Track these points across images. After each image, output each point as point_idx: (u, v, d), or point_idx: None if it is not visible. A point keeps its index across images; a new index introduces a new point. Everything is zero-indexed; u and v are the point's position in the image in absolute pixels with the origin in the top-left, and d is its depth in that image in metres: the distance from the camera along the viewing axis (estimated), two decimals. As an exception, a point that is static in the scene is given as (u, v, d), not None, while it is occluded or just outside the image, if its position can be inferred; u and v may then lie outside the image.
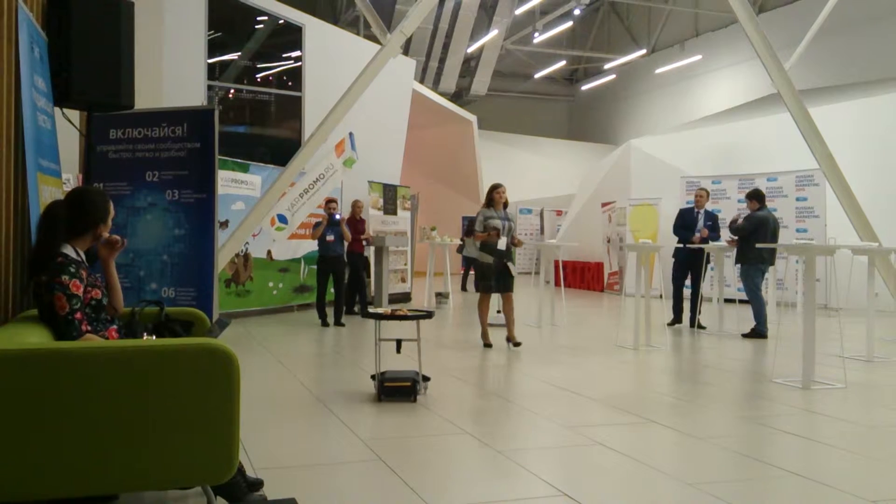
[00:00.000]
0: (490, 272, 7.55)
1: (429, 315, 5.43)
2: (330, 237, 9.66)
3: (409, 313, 5.36)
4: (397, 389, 5.12)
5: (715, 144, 14.69)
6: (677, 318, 9.78)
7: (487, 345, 7.74)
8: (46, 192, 3.62)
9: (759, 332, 8.59)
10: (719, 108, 20.62)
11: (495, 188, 7.76)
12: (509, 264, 7.60)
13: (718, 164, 14.03)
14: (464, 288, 16.63)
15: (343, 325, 9.60)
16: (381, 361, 5.32)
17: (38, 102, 3.47)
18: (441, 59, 25.25)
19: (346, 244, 10.08)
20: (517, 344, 7.63)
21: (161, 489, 2.98)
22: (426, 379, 5.34)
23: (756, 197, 8.84)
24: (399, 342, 5.52)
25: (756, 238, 8.39)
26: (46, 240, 2.84)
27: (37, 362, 2.28)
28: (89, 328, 2.79)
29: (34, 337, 2.56)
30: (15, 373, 2.26)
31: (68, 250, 2.83)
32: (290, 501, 3.02)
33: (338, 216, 9.86)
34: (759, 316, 8.63)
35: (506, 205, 7.81)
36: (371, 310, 5.49)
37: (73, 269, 2.75)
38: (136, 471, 2.35)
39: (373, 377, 5.38)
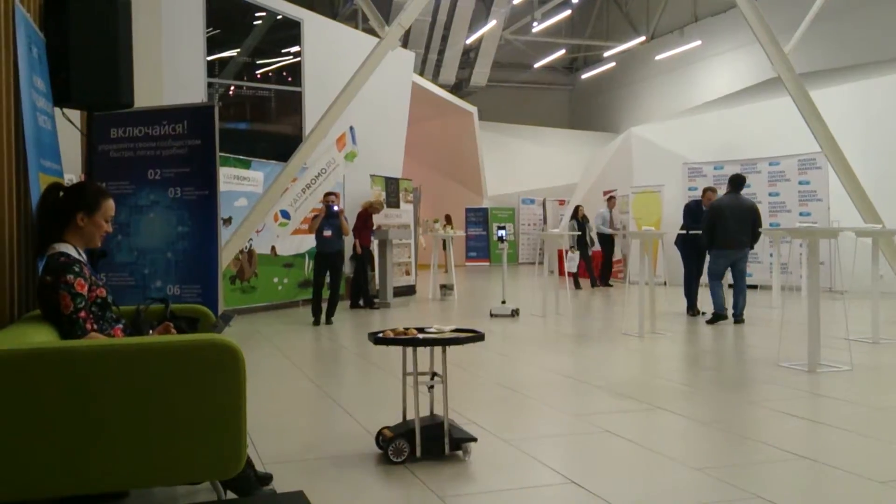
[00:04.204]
0: None
1: (479, 336, 3.71)
2: (327, 232, 9.29)
3: (450, 335, 3.61)
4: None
5: (716, 130, 14.65)
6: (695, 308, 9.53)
7: None
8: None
9: (718, 315, 8.58)
10: (720, 93, 20.55)
11: None
12: None
13: (720, 150, 13.99)
14: (605, 282, 14.23)
15: (331, 322, 9.26)
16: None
17: (38, 103, 3.47)
18: (440, 51, 25.20)
19: (345, 238, 9.65)
20: None
21: (170, 485, 2.99)
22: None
23: (729, 182, 8.77)
24: (434, 376, 3.71)
25: (721, 226, 8.39)
26: (46, 214, 2.91)
27: (43, 361, 2.28)
28: (94, 327, 2.79)
29: (40, 336, 2.57)
30: (22, 372, 2.26)
31: (69, 249, 2.83)
32: (298, 494, 3.03)
33: (335, 208, 9.48)
34: (714, 299, 8.60)
35: None
36: (376, 334, 3.65)
37: (77, 269, 2.76)
38: (144, 467, 2.36)
39: (383, 439, 3.65)
